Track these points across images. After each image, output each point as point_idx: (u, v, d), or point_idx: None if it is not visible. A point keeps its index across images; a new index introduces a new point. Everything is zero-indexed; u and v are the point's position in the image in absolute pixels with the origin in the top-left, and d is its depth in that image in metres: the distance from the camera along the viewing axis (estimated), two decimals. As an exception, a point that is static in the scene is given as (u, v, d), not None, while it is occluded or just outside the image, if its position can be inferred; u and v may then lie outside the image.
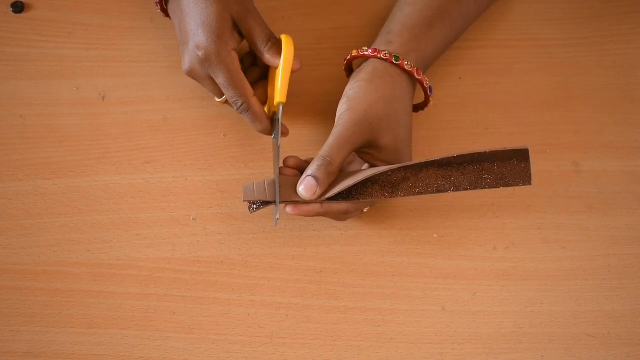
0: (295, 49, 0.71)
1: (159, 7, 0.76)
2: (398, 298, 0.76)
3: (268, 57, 0.71)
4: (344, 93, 0.73)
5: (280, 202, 0.71)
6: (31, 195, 0.78)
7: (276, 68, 0.71)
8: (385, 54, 0.73)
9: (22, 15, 0.82)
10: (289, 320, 0.75)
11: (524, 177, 0.70)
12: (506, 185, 0.70)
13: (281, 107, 0.71)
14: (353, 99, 0.71)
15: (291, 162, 0.72)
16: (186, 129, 0.80)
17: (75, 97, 0.80)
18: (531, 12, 0.85)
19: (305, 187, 0.69)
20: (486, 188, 0.70)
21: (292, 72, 0.71)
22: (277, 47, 0.71)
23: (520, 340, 0.75)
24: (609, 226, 0.79)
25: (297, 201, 0.71)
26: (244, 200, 0.70)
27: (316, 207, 0.70)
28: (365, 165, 0.74)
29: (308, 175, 0.69)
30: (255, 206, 0.71)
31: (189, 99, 0.81)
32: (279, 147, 0.72)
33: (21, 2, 0.82)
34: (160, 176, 0.79)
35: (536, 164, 0.79)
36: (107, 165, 0.79)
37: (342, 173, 0.72)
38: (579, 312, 0.77)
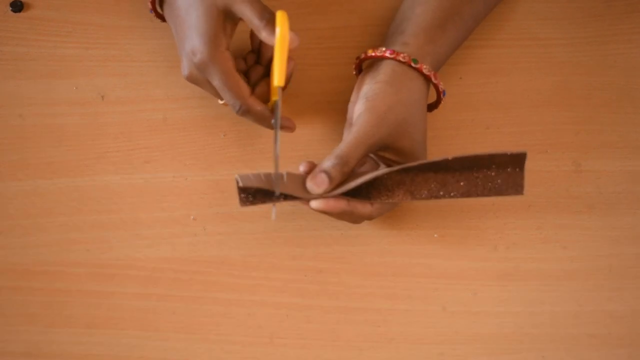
0: (298, 48, 0.70)
1: (154, 14, 0.76)
2: (398, 298, 0.76)
3: (264, 34, 0.69)
4: (362, 93, 0.72)
5: (282, 195, 0.69)
6: (30, 195, 0.77)
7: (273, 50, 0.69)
8: (404, 56, 0.72)
9: (21, 14, 0.82)
10: (289, 321, 0.75)
11: (516, 187, 0.70)
12: (499, 194, 0.70)
13: (280, 92, 0.70)
14: (372, 100, 0.71)
15: (308, 168, 0.71)
16: (186, 128, 0.79)
17: (75, 97, 0.80)
18: (532, 12, 0.85)
19: (317, 182, 0.68)
20: (479, 196, 0.70)
21: (290, 49, 0.68)
22: (273, 23, 0.69)
23: (521, 340, 0.75)
24: (610, 226, 0.79)
25: (295, 196, 0.70)
26: (241, 186, 0.68)
27: (342, 204, 0.69)
28: (382, 166, 0.74)
29: (322, 171, 0.68)
30: (249, 199, 0.69)
31: (188, 99, 0.80)
32: (278, 134, 0.71)
33: (20, 1, 0.81)
34: (160, 176, 0.78)
35: (536, 164, 0.80)
36: (106, 164, 0.78)
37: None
38: (580, 312, 0.76)
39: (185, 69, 0.72)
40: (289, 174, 0.70)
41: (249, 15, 0.69)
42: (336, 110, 0.79)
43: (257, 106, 0.72)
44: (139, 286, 0.75)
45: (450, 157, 0.68)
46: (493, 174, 0.70)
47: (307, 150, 0.78)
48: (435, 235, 0.78)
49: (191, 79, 0.73)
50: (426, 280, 0.77)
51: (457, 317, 0.76)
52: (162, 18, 0.77)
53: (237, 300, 0.75)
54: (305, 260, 0.77)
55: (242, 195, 0.69)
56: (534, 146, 0.81)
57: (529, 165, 0.74)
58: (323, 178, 0.68)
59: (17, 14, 0.82)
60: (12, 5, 0.82)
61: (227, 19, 0.70)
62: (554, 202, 0.79)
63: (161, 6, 0.75)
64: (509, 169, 0.70)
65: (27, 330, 0.74)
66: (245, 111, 0.71)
